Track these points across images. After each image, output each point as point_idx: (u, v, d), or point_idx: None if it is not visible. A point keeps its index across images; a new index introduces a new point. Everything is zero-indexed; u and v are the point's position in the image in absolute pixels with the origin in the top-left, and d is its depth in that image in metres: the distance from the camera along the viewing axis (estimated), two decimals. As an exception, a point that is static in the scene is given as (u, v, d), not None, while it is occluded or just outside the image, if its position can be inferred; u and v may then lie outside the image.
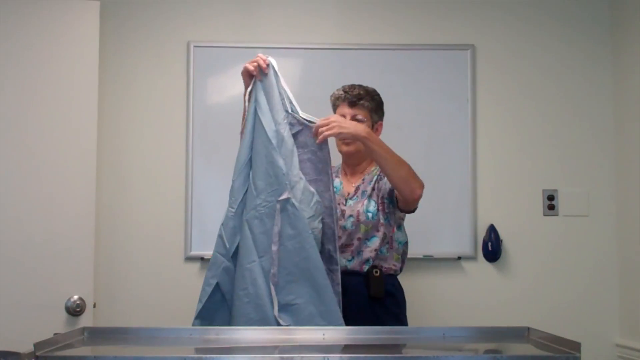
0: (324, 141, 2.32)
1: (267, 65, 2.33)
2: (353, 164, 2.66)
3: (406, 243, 2.62)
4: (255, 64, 2.33)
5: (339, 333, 1.99)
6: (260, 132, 2.30)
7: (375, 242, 2.52)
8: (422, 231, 3.10)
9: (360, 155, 2.62)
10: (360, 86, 2.62)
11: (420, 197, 2.42)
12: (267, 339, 1.96)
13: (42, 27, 2.93)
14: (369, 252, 2.52)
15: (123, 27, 3.26)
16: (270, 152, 2.27)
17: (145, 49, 3.27)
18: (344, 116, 2.55)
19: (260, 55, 2.35)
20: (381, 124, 2.65)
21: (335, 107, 2.65)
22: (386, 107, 2.64)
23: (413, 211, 2.55)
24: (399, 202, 2.50)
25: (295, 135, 2.31)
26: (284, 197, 2.23)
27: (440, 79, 3.29)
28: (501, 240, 3.23)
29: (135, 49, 3.27)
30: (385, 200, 2.54)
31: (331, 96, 2.67)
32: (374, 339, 1.97)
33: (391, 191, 2.51)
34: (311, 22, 3.33)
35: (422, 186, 2.41)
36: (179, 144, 3.23)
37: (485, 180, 3.28)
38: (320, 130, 2.30)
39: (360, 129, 2.38)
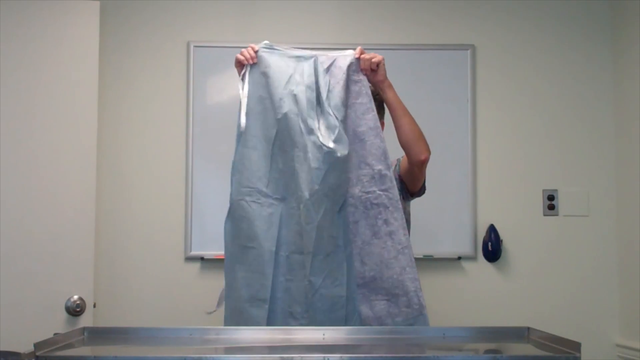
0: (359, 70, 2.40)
1: (254, 56, 2.34)
2: None
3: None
4: (242, 57, 2.34)
5: (339, 333, 1.99)
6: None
7: None
8: (422, 231, 3.10)
9: None
10: None
11: (425, 161, 2.40)
12: (267, 339, 1.96)
13: (42, 27, 2.93)
14: None
15: (123, 27, 3.26)
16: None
17: (145, 49, 3.27)
18: None
19: (251, 46, 2.34)
20: (383, 123, 2.65)
21: None
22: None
23: (419, 194, 2.52)
24: (406, 181, 2.49)
25: (328, 68, 2.41)
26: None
27: (440, 79, 3.29)
28: (501, 240, 3.23)
29: (135, 49, 3.27)
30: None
31: None
32: (373, 339, 1.98)
33: (400, 178, 2.50)
34: (311, 22, 3.33)
35: (429, 150, 2.41)
36: (179, 144, 3.23)
37: (485, 180, 3.28)
38: (368, 58, 2.44)
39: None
